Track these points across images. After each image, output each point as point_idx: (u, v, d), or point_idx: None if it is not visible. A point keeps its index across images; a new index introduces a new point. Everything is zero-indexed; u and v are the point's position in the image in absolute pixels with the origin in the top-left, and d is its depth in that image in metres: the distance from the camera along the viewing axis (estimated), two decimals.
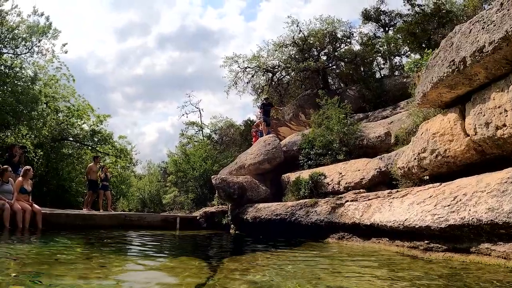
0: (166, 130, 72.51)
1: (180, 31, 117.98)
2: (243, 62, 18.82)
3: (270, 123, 14.03)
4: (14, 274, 2.81)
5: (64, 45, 18.17)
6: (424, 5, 16.18)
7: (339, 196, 7.00)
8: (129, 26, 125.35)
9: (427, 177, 5.95)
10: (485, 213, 3.51)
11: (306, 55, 17.59)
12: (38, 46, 17.22)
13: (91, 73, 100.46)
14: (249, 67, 18.83)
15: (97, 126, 19.95)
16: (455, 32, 4.73)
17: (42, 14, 17.11)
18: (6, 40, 15.88)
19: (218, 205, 11.77)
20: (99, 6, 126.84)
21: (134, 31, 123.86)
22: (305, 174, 9.12)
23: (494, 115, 4.21)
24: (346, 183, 8.08)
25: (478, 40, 4.10)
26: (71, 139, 19.11)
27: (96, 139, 19.91)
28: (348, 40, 18.22)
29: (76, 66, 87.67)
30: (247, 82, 19.25)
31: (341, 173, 8.41)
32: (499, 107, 4.14)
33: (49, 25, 17.16)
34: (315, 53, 18.02)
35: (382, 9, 19.04)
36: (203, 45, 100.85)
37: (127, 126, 79.07)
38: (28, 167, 8.08)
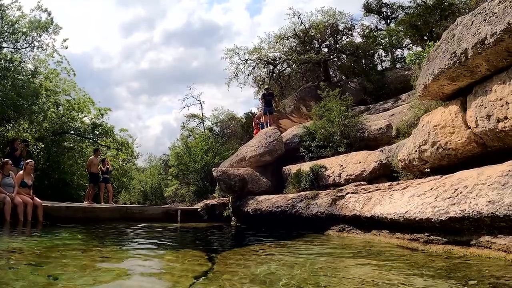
0: (170, 123, 72.77)
1: (185, 27, 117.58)
2: (244, 54, 18.73)
3: (273, 112, 13.95)
4: (15, 267, 2.82)
5: (64, 40, 18.17)
6: None
7: (340, 188, 7.00)
8: (135, 21, 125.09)
9: (428, 170, 5.94)
10: (486, 205, 3.51)
11: (307, 47, 17.47)
12: (39, 41, 17.18)
13: (96, 68, 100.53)
14: (250, 59, 18.74)
15: (98, 119, 19.97)
16: (457, 24, 4.69)
17: (45, 10, 17.04)
18: (6, 34, 15.81)
19: (219, 198, 11.80)
20: (105, 0, 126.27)
21: (140, 26, 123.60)
22: (306, 166, 9.12)
23: (496, 108, 4.18)
24: (347, 176, 8.08)
25: (479, 32, 4.07)
26: (72, 132, 19.12)
27: (97, 132, 19.93)
28: (350, 32, 18.08)
29: (81, 61, 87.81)
30: (248, 75, 19.21)
31: (342, 166, 8.41)
32: (500, 99, 4.12)
33: (50, 21, 17.06)
34: (317, 45, 17.90)
35: (384, 1, 18.92)
36: (208, 41, 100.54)
37: (131, 120, 79.40)
38: (28, 160, 8.07)
